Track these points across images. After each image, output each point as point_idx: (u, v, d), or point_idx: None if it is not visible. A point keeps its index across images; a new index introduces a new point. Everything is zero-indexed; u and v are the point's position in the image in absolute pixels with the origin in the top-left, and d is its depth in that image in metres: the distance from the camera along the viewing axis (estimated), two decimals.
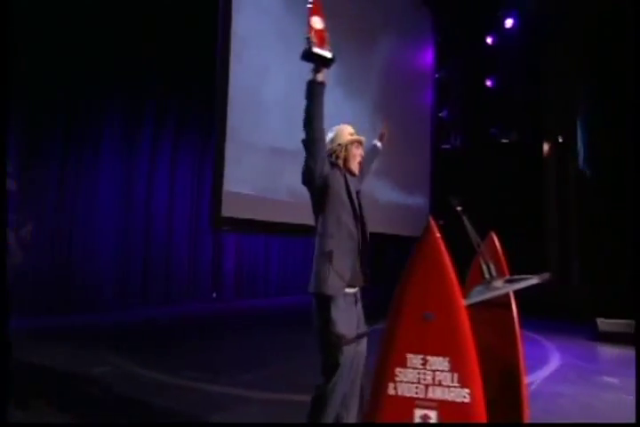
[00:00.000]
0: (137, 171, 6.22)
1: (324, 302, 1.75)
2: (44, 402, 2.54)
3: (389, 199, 7.87)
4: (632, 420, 2.59)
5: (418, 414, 1.33)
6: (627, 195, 6.12)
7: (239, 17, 5.72)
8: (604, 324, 4.78)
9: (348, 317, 1.79)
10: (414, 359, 1.35)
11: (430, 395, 1.33)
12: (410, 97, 9.01)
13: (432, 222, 1.41)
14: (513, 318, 1.97)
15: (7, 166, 4.73)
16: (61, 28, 5.22)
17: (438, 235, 1.40)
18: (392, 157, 7.82)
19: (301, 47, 1.70)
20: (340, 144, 1.97)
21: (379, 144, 2.42)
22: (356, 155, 1.99)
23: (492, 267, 1.84)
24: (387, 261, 7.85)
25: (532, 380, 3.26)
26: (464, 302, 1.39)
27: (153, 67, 6.21)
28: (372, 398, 1.38)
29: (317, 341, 1.78)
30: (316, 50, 1.66)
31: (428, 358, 1.35)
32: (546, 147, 7.87)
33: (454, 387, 1.32)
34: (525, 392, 1.85)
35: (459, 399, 1.32)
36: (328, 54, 1.68)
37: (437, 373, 1.33)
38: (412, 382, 1.34)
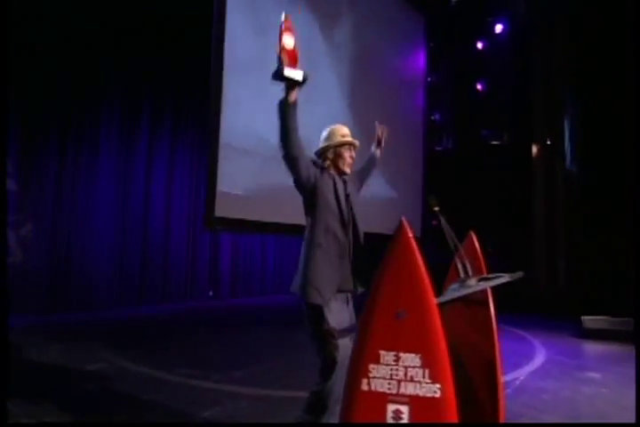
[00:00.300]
0: (134, 170, 6.24)
1: (312, 308, 1.78)
2: (41, 397, 2.56)
3: (383, 199, 7.95)
4: (608, 411, 2.66)
5: (390, 409, 1.37)
6: (613, 195, 6.22)
7: (233, 17, 5.81)
8: (588, 321, 4.86)
9: (338, 312, 1.81)
10: (387, 356, 1.39)
11: (402, 390, 1.37)
12: (403, 100, 9.18)
13: (404, 222, 1.45)
14: (490, 315, 2.02)
15: (7, 167, 4.75)
16: (61, 28, 5.24)
17: (410, 235, 1.44)
18: (386, 158, 7.89)
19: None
20: (329, 145, 1.95)
21: (377, 153, 2.32)
22: (346, 157, 1.95)
23: (468, 266, 1.89)
24: (378, 262, 7.90)
25: (517, 375, 3.33)
26: (435, 301, 1.43)
27: (150, 67, 6.23)
28: (347, 393, 1.42)
29: (312, 341, 1.80)
30: (287, 72, 1.64)
31: (401, 354, 1.38)
32: (535, 149, 8.00)
33: (425, 382, 1.36)
34: (502, 387, 1.90)
35: (430, 394, 1.35)
36: (299, 75, 1.66)
37: (409, 369, 1.37)
38: (385, 378, 1.38)
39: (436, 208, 1.90)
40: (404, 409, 1.36)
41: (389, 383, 1.37)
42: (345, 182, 1.98)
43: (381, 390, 1.37)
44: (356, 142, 2.00)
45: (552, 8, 7.85)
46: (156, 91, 6.42)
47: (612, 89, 6.26)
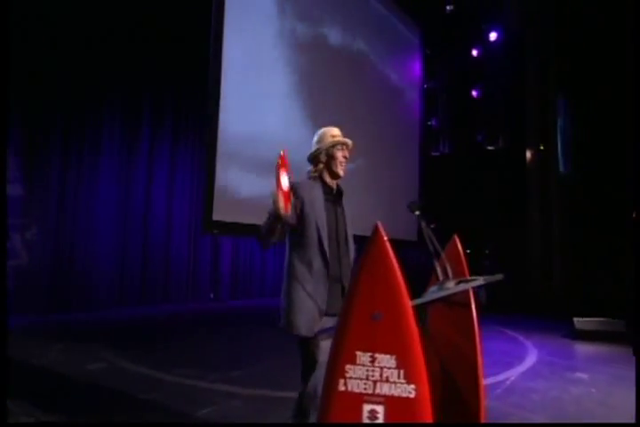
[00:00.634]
0: (136, 171, 6.31)
1: (299, 338, 1.81)
2: (41, 397, 2.60)
3: (380, 204, 7.99)
4: (595, 410, 2.69)
5: (366, 409, 1.40)
6: (605, 198, 6.26)
7: (230, 18, 5.88)
8: (580, 322, 4.88)
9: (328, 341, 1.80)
10: (363, 357, 1.42)
11: (378, 391, 1.39)
12: (400, 107, 9.32)
13: (379, 225, 1.49)
14: (472, 317, 2.05)
15: (14, 170, 4.79)
16: (62, 28, 5.31)
17: (385, 237, 1.48)
18: (383, 163, 8.03)
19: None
20: (320, 148, 1.93)
21: None
22: (339, 157, 1.93)
23: (448, 269, 1.93)
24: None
25: (508, 376, 3.38)
26: (411, 303, 1.47)
27: (150, 67, 6.31)
28: (324, 393, 1.44)
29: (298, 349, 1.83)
30: (283, 214, 1.72)
31: (377, 355, 1.41)
32: (529, 153, 8.09)
33: (400, 383, 1.38)
34: (483, 387, 1.93)
35: (404, 395, 1.38)
36: (290, 218, 1.80)
37: (385, 369, 1.40)
38: (361, 379, 1.40)
39: (417, 212, 1.94)
40: (380, 409, 1.39)
41: (365, 384, 1.40)
42: (340, 193, 1.98)
43: (357, 390, 1.40)
44: (348, 141, 1.97)
45: (545, 17, 7.99)
46: (156, 91, 6.50)
47: (604, 94, 6.34)
